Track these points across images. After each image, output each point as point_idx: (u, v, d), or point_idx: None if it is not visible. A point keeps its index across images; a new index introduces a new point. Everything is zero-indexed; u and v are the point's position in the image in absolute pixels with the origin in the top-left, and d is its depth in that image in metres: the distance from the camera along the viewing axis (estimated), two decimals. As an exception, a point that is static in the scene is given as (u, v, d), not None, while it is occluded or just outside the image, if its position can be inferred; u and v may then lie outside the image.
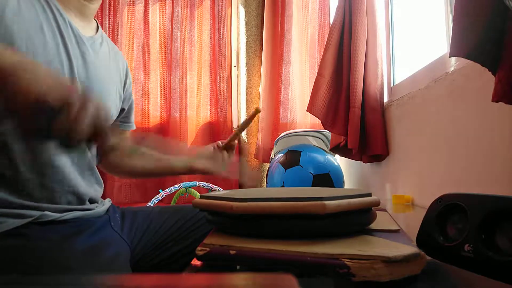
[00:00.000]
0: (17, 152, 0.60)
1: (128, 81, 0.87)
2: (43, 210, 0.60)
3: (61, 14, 0.66)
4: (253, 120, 0.84)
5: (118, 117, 0.86)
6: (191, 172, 0.89)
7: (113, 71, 0.79)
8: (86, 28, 0.74)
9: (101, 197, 0.79)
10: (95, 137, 0.46)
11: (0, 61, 0.43)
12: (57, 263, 0.54)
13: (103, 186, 0.78)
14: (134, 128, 0.95)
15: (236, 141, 0.92)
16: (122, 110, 0.87)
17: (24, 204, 0.59)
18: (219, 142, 0.91)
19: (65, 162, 0.65)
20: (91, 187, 0.71)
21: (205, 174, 0.90)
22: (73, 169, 0.67)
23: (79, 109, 0.43)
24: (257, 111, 0.80)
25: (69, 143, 0.45)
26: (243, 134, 2.24)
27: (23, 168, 0.60)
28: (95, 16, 0.79)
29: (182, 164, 0.89)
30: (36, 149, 0.61)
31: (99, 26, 0.80)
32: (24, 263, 0.54)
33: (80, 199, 0.68)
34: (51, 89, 0.43)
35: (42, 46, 0.61)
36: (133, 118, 0.94)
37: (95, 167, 0.75)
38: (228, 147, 0.91)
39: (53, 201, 0.63)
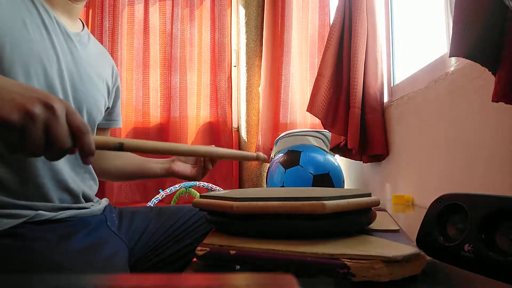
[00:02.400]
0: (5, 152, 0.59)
1: (115, 77, 0.87)
2: (37, 210, 0.60)
3: (46, 11, 0.66)
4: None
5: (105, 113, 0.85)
6: (170, 174, 0.85)
7: (101, 66, 0.79)
8: (72, 26, 0.74)
9: (99, 197, 0.78)
10: (76, 143, 0.43)
11: None
12: (52, 262, 0.54)
13: (98, 183, 0.77)
14: (121, 125, 0.92)
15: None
16: (108, 106, 0.85)
17: (17, 204, 0.59)
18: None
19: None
20: (84, 184, 0.71)
21: (183, 179, 0.86)
22: (65, 165, 0.66)
23: (47, 119, 0.40)
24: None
25: (50, 156, 0.43)
26: (243, 134, 2.24)
27: (14, 166, 0.60)
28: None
29: (161, 166, 0.85)
30: None
31: (84, 24, 0.80)
32: (19, 263, 0.54)
33: (73, 196, 0.67)
34: (4, 104, 0.39)
35: (26, 42, 0.61)
36: (119, 113, 0.91)
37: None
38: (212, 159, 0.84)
39: (46, 199, 0.63)
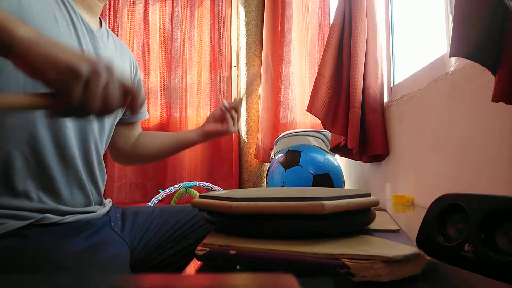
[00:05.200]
0: (18, 155, 0.60)
1: (135, 71, 0.88)
2: (44, 213, 0.60)
3: (72, 7, 0.67)
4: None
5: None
6: (205, 137, 0.89)
7: (121, 63, 0.80)
8: (94, 23, 0.75)
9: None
10: (126, 100, 0.48)
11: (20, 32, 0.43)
12: (54, 263, 0.54)
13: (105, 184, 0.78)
14: (148, 117, 0.95)
15: (242, 100, 0.92)
16: None
17: (26, 207, 0.59)
18: (225, 102, 0.90)
19: (72, 156, 0.65)
20: (96, 186, 0.72)
21: (219, 136, 0.90)
22: (81, 167, 0.67)
23: (107, 77, 0.44)
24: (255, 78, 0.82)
25: (103, 112, 0.46)
26: (243, 134, 2.24)
27: (34, 174, 0.60)
28: None
29: (196, 133, 0.89)
30: (39, 154, 0.61)
31: (102, 21, 0.81)
32: (22, 264, 0.54)
33: (85, 196, 0.68)
34: (77, 57, 0.43)
35: (56, 38, 0.61)
36: (144, 105, 0.94)
37: (103, 162, 0.75)
38: (235, 107, 0.90)
39: (58, 199, 0.63)
